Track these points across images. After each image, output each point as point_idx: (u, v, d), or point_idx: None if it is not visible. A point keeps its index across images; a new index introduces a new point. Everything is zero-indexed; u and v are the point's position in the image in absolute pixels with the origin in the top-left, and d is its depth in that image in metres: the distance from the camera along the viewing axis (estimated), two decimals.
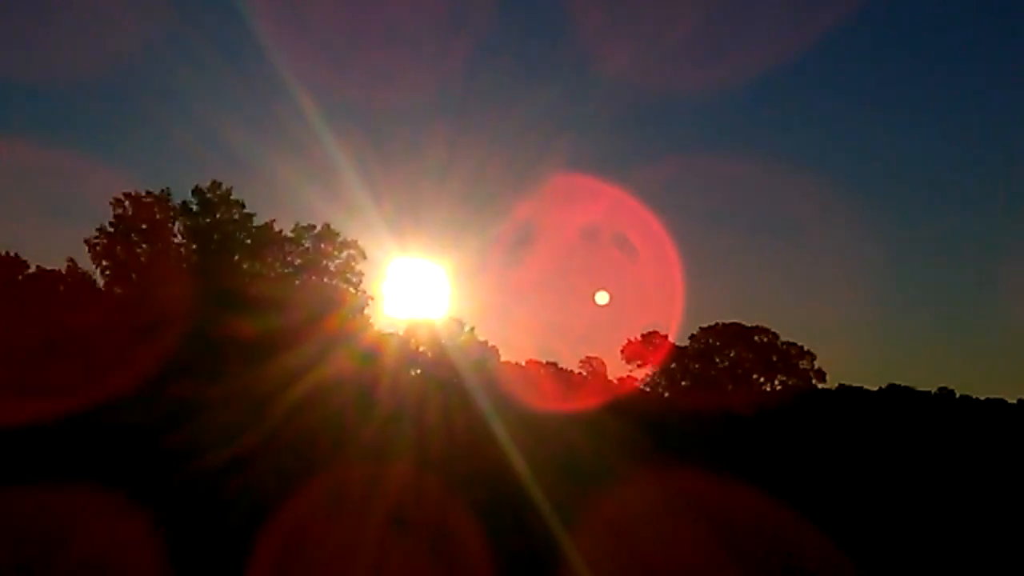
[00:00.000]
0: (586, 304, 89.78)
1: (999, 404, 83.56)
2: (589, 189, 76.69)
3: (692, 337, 79.80)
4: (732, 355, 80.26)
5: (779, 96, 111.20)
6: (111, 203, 52.09)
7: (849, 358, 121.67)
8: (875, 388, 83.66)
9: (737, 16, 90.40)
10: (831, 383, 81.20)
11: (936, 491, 62.98)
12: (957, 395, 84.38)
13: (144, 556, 30.08)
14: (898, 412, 78.30)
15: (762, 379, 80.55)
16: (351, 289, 53.74)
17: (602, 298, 78.05)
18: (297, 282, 52.79)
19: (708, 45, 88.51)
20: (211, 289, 48.38)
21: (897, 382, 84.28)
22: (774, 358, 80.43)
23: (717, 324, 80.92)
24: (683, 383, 78.07)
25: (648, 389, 77.97)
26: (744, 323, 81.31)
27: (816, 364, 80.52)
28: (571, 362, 77.28)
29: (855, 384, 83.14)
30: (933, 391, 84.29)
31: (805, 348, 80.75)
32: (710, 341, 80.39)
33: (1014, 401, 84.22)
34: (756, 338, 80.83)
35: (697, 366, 78.87)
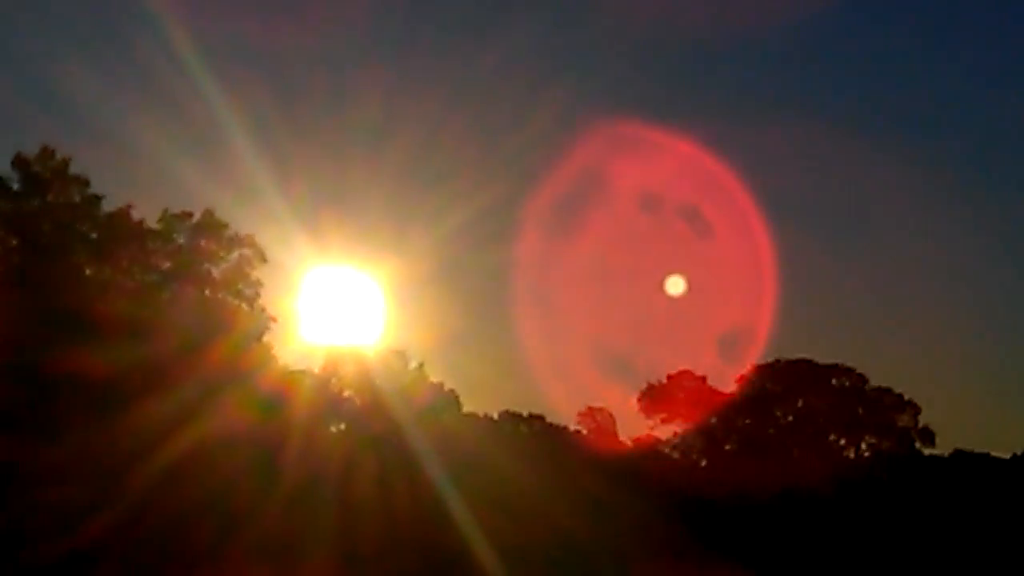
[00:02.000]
0: (586, 329, 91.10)
1: None
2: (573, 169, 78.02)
3: (742, 379, 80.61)
4: (800, 406, 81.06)
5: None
6: None
7: (969, 415, 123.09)
8: (1007, 455, 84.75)
9: None
10: (942, 447, 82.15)
11: None
12: None
13: None
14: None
15: (843, 440, 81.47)
16: (245, 306, 54.19)
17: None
18: (166, 295, 53.20)
19: None
20: (41, 305, 48.88)
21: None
22: (860, 411, 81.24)
23: (778, 361, 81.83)
24: (727, 446, 78.75)
25: (677, 454, 78.69)
26: (818, 361, 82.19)
27: (921, 420, 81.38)
28: (566, 415, 78.38)
29: (977, 450, 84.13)
30: None
31: (906, 397, 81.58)
32: (768, 387, 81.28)
33: None
34: (835, 381, 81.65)
35: (748, 421, 79.64)
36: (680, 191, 79.61)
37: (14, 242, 52.69)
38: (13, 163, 52.00)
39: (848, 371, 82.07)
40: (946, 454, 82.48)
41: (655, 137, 78.59)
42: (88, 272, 52.98)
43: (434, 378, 62.16)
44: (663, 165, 77.69)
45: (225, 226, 53.82)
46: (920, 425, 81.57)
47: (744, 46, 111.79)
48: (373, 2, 73.55)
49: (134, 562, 43.36)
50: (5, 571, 39.95)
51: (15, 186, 51.89)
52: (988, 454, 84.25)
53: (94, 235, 52.97)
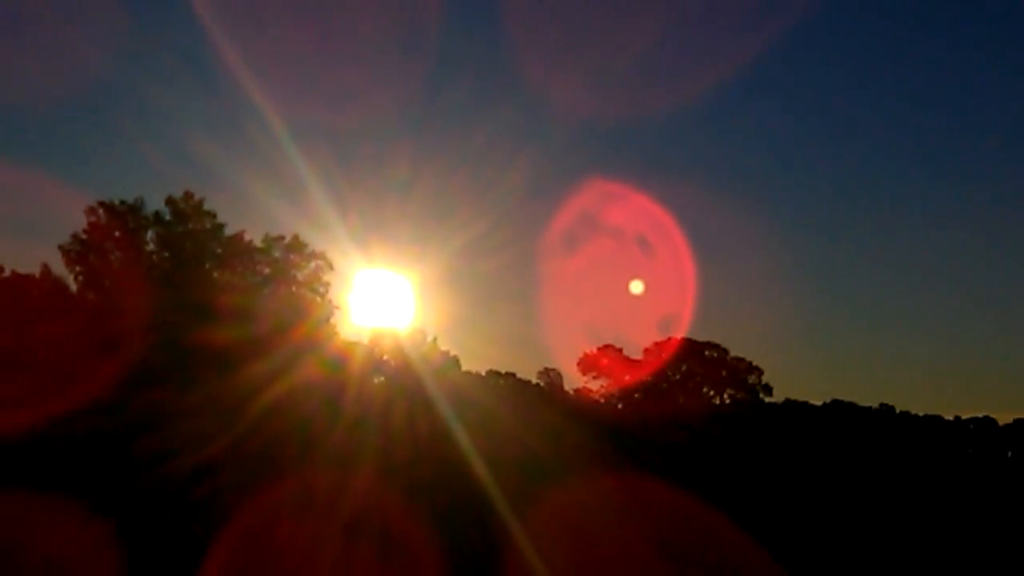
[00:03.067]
0: (545, 316, 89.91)
1: (936, 420, 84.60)
2: (546, 204, 76.84)
3: (646, 351, 79.95)
4: (684, 369, 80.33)
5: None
6: (85, 212, 51.06)
7: (796, 374, 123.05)
8: (820, 403, 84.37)
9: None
10: (778, 397, 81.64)
11: (871, 501, 63.49)
12: (897, 411, 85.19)
13: (102, 562, 29.41)
14: (841, 426, 78.94)
15: (712, 392, 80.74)
16: (318, 299, 52.98)
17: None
18: (266, 292, 51.91)
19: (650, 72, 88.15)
20: (182, 298, 47.61)
21: (841, 398, 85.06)
22: (724, 372, 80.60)
23: (669, 339, 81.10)
24: (636, 395, 78.01)
25: (603, 400, 77.80)
26: (695, 339, 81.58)
27: (763, 379, 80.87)
28: (529, 373, 77.09)
29: (801, 399, 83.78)
30: (875, 407, 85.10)
31: (753, 363, 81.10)
32: (663, 355, 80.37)
33: (950, 418, 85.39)
34: (707, 353, 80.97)
35: (649, 379, 78.83)
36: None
37: (165, 255, 51.45)
38: (165, 202, 50.94)
39: (716, 346, 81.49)
40: (780, 401, 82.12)
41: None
42: (215, 276, 51.80)
43: (443, 348, 61.35)
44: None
45: (305, 245, 52.96)
46: (763, 382, 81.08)
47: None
48: (400, 98, 71.21)
49: (244, 471, 41.58)
50: (155, 479, 38.21)
51: (167, 217, 50.82)
52: (808, 402, 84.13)
53: (219, 251, 51.76)
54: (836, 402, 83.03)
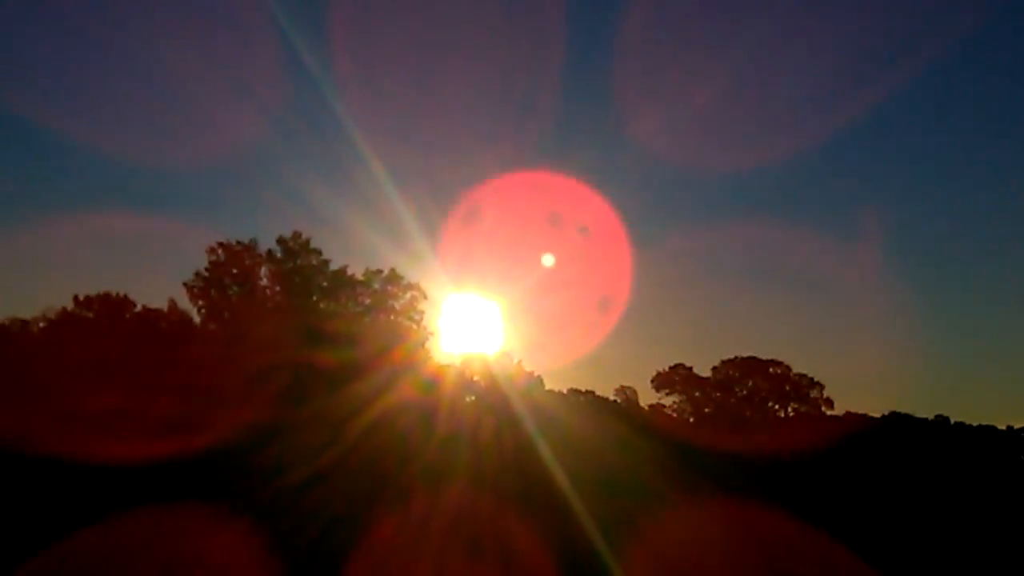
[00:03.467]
0: (620, 339, 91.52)
1: (990, 430, 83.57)
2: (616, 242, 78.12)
3: (714, 369, 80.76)
4: (750, 385, 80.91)
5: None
6: (206, 251, 54.37)
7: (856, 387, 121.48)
8: (878, 415, 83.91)
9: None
10: (838, 410, 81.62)
11: (936, 511, 62.87)
12: (952, 422, 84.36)
13: (248, 558, 31.26)
14: (898, 438, 78.50)
15: (776, 406, 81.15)
16: (414, 326, 55.09)
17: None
18: (367, 320, 54.30)
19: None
20: (294, 325, 50.19)
21: (898, 410, 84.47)
22: (787, 388, 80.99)
23: (736, 358, 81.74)
24: (705, 410, 78.90)
25: (675, 415, 78.85)
26: (760, 356, 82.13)
27: (824, 393, 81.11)
28: (607, 391, 78.34)
29: (859, 411, 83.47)
30: (931, 418, 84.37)
31: (815, 379, 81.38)
32: (730, 373, 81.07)
33: (1003, 427, 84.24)
34: (771, 370, 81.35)
35: (718, 394, 79.65)
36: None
37: (277, 288, 54.24)
38: (277, 241, 53.86)
39: (779, 363, 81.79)
40: (841, 414, 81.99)
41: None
42: (321, 306, 54.20)
43: (528, 369, 62.91)
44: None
45: (402, 277, 55.24)
46: (824, 396, 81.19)
47: None
48: (486, 144, 72.99)
49: (349, 481, 43.09)
50: (271, 488, 40.22)
51: (279, 255, 53.61)
52: (867, 414, 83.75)
53: (324, 284, 54.31)
54: (894, 414, 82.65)
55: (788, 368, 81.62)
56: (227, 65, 66.91)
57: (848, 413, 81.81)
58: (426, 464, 47.15)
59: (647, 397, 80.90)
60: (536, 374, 63.40)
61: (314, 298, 54.10)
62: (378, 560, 38.30)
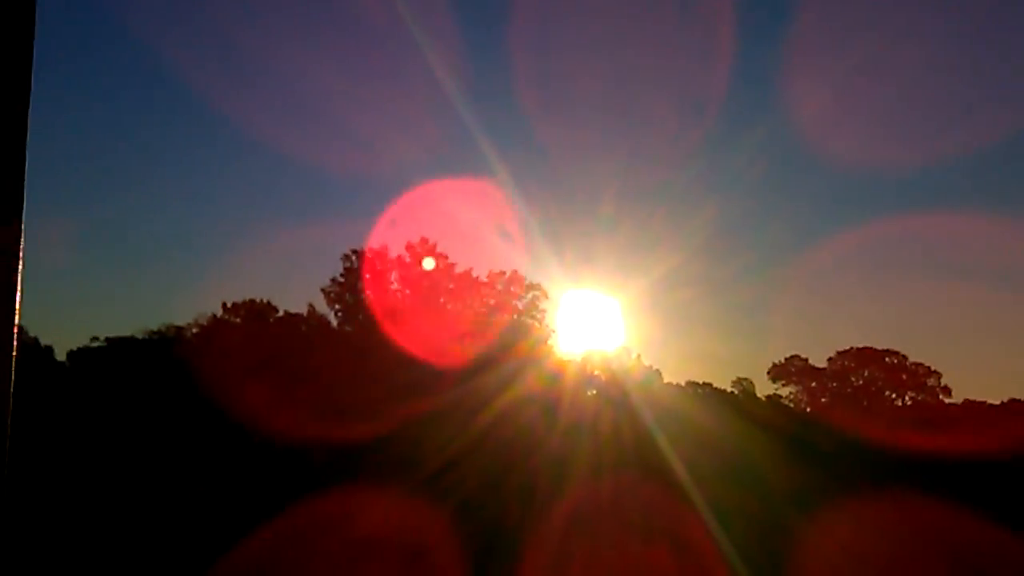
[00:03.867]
0: (732, 332, 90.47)
1: None
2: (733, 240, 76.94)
3: (830, 360, 79.05)
4: (866, 375, 78.94)
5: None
6: (341, 259, 56.51)
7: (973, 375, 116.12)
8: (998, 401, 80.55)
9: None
10: (956, 398, 78.74)
11: None
12: None
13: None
14: None
15: (894, 395, 78.91)
16: (536, 323, 56.06)
17: None
18: (493, 319, 55.48)
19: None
20: (423, 325, 51.72)
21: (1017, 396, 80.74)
22: (904, 377, 78.70)
23: (851, 348, 79.84)
24: (822, 399, 77.36)
25: (792, 405, 77.48)
26: (876, 346, 79.98)
27: (942, 381, 78.47)
28: (724, 383, 77.60)
29: (980, 399, 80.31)
30: None
31: (932, 367, 78.82)
32: (846, 363, 79.24)
33: None
34: (887, 359, 79.15)
35: (835, 384, 77.97)
36: None
37: (407, 292, 56.02)
38: (406, 248, 55.53)
39: (896, 352, 79.42)
40: (959, 402, 79.09)
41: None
42: (447, 308, 55.64)
43: (646, 363, 62.90)
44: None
45: (524, 278, 56.15)
46: (942, 384, 78.51)
47: None
48: (606, 151, 72.79)
49: (478, 469, 43.83)
50: (412, 475, 41.16)
51: (407, 260, 55.28)
52: (985, 402, 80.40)
53: (450, 286, 55.73)
54: (1014, 401, 79.24)
55: (904, 357, 79.18)
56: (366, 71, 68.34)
57: (967, 401, 78.91)
58: (549, 453, 47.91)
59: (763, 388, 79.78)
60: (655, 368, 63.38)
61: (440, 300, 55.53)
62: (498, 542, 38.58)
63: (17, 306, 1.62)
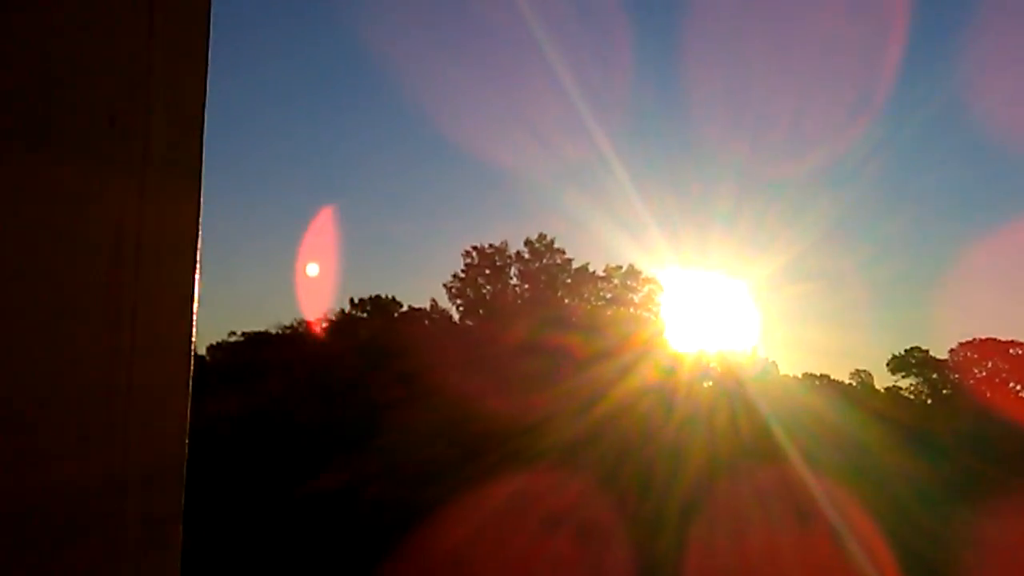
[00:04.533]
0: (850, 324, 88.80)
1: None
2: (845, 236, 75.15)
3: (951, 351, 76.66)
4: (989, 366, 76.29)
5: None
6: (462, 255, 58.16)
7: None
8: None
9: None
10: None
11: None
12: None
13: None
14: None
15: (1019, 387, 76.08)
16: (652, 316, 56.54)
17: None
18: (609, 312, 56.19)
19: None
20: (542, 318, 52.76)
21: None
22: None
23: (974, 339, 77.30)
24: (944, 391, 75.14)
25: (913, 398, 75.57)
26: (999, 338, 77.24)
27: None
28: (842, 375, 76.34)
29: None
30: None
31: None
32: (968, 354, 76.74)
33: None
34: (1011, 351, 76.45)
35: (956, 376, 75.62)
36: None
37: (525, 286, 57.17)
38: (524, 243, 56.80)
39: (1020, 343, 76.42)
40: None
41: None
42: (565, 301, 56.59)
43: (763, 355, 62.74)
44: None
45: (640, 272, 56.46)
46: None
47: None
48: (729, 147, 72.08)
49: (596, 458, 44.40)
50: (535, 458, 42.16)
51: (526, 255, 56.51)
52: None
53: (568, 280, 56.65)
54: None
55: None
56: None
57: None
58: (664, 444, 48.36)
59: (882, 380, 78.03)
60: (771, 360, 63.07)
61: (559, 294, 56.53)
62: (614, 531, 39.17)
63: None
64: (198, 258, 1.46)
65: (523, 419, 45.71)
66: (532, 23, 55.28)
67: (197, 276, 1.48)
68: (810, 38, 65.18)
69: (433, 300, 59.97)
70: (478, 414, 45.58)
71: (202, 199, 1.46)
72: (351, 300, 61.25)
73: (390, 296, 61.68)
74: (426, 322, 61.11)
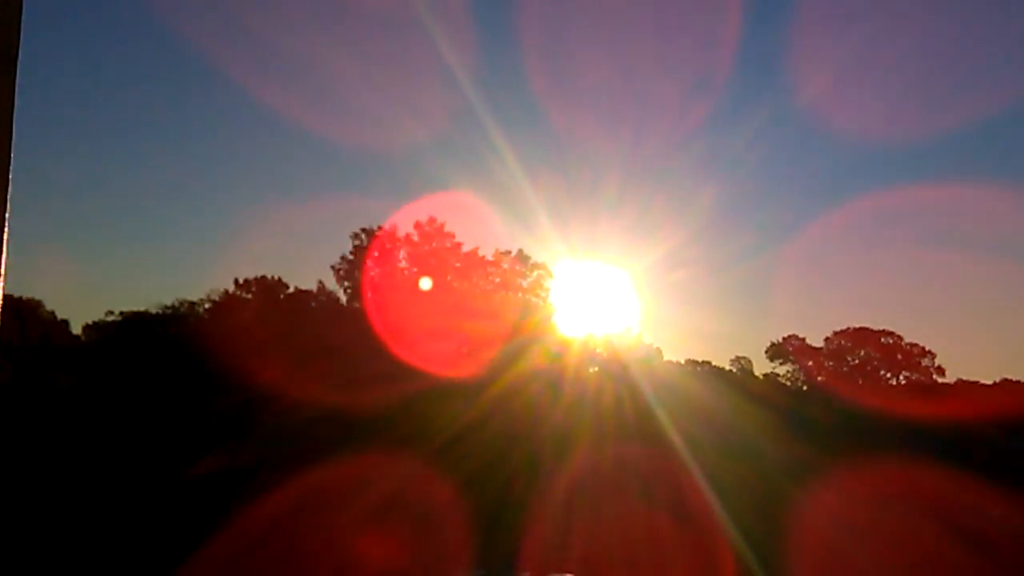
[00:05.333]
0: (730, 312, 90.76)
1: None
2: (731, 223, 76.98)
3: (827, 339, 79.05)
4: (862, 354, 78.88)
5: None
6: (350, 236, 56.50)
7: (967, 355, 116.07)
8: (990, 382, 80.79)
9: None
10: (950, 378, 78.88)
11: None
12: None
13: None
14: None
15: (889, 374, 78.93)
16: (540, 302, 56.05)
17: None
18: (499, 297, 55.49)
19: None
20: (430, 303, 51.79)
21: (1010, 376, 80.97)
22: (899, 356, 78.69)
23: (848, 328, 79.84)
24: (819, 378, 77.39)
25: (789, 383, 77.57)
26: (872, 327, 79.98)
27: (936, 362, 78.50)
28: (723, 361, 77.85)
29: (972, 379, 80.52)
30: None
31: (926, 348, 78.81)
32: (843, 343, 79.20)
33: None
34: (883, 340, 79.12)
35: (831, 363, 77.93)
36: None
37: (414, 270, 55.94)
38: (414, 226, 55.64)
39: (891, 332, 79.38)
40: (952, 381, 79.29)
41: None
42: (454, 286, 55.61)
43: (647, 341, 63.14)
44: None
45: (529, 258, 56.00)
46: (936, 364, 78.57)
47: None
48: (611, 134, 72.40)
49: (483, 442, 43.70)
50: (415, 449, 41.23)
51: (415, 239, 55.29)
52: (979, 382, 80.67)
53: (457, 265, 55.66)
54: (1005, 381, 79.41)
55: (900, 337, 79.12)
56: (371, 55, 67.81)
57: (959, 380, 79.07)
58: (553, 427, 48.11)
59: (761, 367, 79.97)
60: (655, 346, 63.60)
61: (448, 278, 55.51)
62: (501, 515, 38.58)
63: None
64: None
65: (410, 405, 44.86)
66: (421, 11, 54.62)
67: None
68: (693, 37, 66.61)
69: (320, 282, 58.26)
70: (363, 399, 44.46)
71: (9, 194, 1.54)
72: (236, 280, 59.03)
73: (276, 277, 59.73)
74: (313, 304, 59.37)
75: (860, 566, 26.77)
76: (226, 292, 57.24)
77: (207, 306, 57.02)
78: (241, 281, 58.10)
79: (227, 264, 62.18)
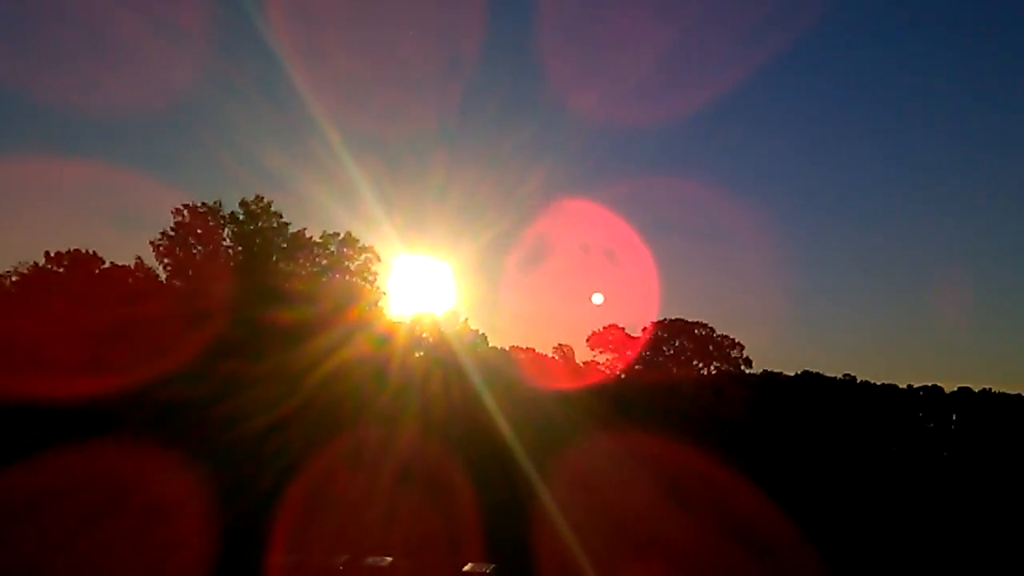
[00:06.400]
0: (560, 300, 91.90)
1: (891, 389, 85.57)
2: (568, 208, 78.21)
3: (644, 329, 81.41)
4: (677, 344, 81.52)
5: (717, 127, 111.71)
6: (172, 212, 53.00)
7: (773, 348, 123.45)
8: (792, 374, 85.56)
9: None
10: (756, 368, 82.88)
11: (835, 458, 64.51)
12: (858, 380, 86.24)
13: (193, 506, 30.77)
14: (810, 394, 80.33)
15: (700, 364, 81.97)
16: (368, 286, 54.51)
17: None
18: (324, 280, 53.58)
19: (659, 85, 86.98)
20: (254, 284, 49.28)
21: (810, 368, 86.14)
22: (711, 347, 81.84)
23: (664, 320, 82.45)
24: (636, 367, 79.48)
25: (607, 370, 79.36)
26: (687, 319, 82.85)
27: (744, 353, 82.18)
28: (546, 348, 78.64)
29: (775, 370, 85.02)
30: (839, 376, 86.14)
31: (736, 340, 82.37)
32: (659, 333, 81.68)
33: (904, 387, 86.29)
34: (696, 331, 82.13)
35: (648, 353, 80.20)
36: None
37: (239, 248, 53.12)
38: (239, 204, 52.71)
39: (704, 325, 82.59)
40: (758, 372, 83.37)
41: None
42: (280, 266, 53.33)
43: (473, 327, 62.72)
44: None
45: (357, 240, 54.47)
46: (744, 356, 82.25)
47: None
48: (438, 113, 71.72)
49: (308, 429, 42.58)
50: (234, 436, 39.51)
51: (241, 217, 52.47)
52: (781, 372, 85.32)
53: (284, 245, 53.37)
54: (806, 373, 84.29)
55: (712, 329, 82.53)
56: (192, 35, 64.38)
57: (765, 371, 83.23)
58: (379, 413, 47.06)
59: (583, 355, 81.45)
60: (481, 332, 63.34)
61: (274, 259, 53.14)
62: (332, 500, 37.88)
63: None
64: None
65: (228, 390, 42.65)
66: None
67: None
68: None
69: (138, 258, 54.40)
70: (176, 382, 41.94)
71: None
72: (47, 253, 54.40)
73: (91, 251, 55.39)
74: (130, 280, 55.45)
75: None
76: (35, 265, 52.70)
77: (14, 279, 52.36)
78: (52, 254, 53.62)
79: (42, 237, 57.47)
